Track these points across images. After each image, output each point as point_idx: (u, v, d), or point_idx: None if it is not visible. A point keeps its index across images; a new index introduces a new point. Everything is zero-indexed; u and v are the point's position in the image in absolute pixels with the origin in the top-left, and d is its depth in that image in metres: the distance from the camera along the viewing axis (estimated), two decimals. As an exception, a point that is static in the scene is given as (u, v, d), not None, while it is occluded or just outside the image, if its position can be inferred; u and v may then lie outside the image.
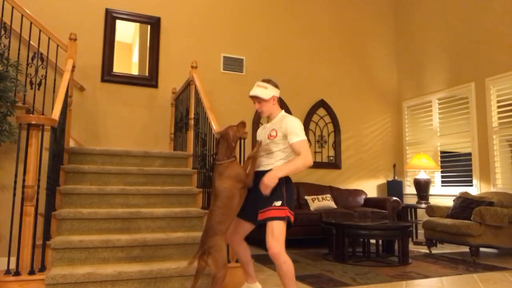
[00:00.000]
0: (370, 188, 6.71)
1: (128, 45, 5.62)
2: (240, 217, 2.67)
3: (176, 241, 3.21)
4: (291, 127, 2.54)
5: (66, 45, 4.27)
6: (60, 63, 4.77)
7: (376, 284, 3.31)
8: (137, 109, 5.36)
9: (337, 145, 6.51)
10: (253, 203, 2.60)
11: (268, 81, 2.67)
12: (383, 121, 6.99)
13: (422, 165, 5.87)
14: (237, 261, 3.17)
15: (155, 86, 5.48)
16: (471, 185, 5.65)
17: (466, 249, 5.29)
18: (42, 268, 2.71)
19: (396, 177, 6.78)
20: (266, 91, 2.62)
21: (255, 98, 2.66)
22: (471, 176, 5.69)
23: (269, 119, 2.73)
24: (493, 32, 5.53)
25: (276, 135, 2.58)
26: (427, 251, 5.10)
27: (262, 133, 2.74)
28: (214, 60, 5.87)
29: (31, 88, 4.22)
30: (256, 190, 2.56)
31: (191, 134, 4.44)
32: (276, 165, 2.55)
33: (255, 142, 5.92)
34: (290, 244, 5.58)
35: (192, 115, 4.44)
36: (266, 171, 2.56)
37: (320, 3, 6.72)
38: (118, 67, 5.33)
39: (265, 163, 2.62)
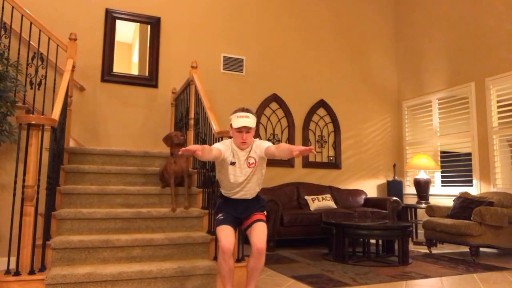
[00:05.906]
0: (370, 188, 6.71)
1: (128, 45, 5.62)
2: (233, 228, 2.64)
3: (176, 241, 3.21)
4: (260, 142, 2.59)
5: (66, 45, 4.28)
6: (60, 63, 4.76)
7: (376, 284, 3.31)
8: (137, 109, 5.36)
9: (337, 145, 6.51)
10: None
11: (248, 109, 2.56)
12: (383, 121, 6.99)
13: (422, 165, 5.87)
14: (238, 261, 3.17)
15: (155, 86, 5.48)
16: (471, 185, 5.65)
17: (466, 249, 5.29)
18: (42, 268, 2.71)
19: (396, 177, 6.78)
20: (253, 120, 2.54)
21: (245, 128, 2.51)
22: (471, 176, 5.69)
23: (240, 148, 2.57)
24: (493, 32, 5.53)
25: (256, 162, 2.58)
26: (427, 251, 5.10)
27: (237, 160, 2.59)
28: (214, 60, 5.87)
29: (31, 88, 4.22)
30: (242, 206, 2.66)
31: (191, 134, 4.45)
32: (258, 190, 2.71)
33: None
34: (290, 244, 5.58)
35: (192, 115, 4.45)
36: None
37: (321, 3, 6.72)
38: (118, 67, 5.33)
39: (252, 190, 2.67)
